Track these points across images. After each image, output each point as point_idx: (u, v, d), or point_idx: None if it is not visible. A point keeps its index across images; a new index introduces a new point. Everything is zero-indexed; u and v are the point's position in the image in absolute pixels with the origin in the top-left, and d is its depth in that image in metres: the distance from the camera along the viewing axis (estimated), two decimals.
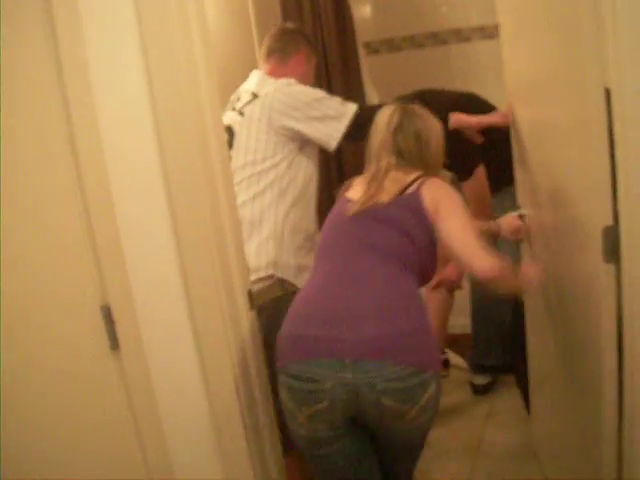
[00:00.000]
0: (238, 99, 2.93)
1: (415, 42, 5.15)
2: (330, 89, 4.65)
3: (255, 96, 2.84)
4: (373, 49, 5.33)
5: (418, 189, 2.25)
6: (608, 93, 1.84)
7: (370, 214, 2.23)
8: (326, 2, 4.59)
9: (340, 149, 4.58)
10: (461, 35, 4.85)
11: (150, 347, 1.96)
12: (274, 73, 2.95)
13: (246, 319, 2.08)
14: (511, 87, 2.92)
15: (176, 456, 2.04)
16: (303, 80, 2.93)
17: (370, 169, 2.37)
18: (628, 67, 1.75)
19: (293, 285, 2.71)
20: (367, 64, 4.76)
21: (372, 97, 4.71)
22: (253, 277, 2.51)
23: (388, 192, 2.26)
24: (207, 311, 1.99)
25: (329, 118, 2.84)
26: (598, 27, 1.81)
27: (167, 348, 2.01)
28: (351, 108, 2.89)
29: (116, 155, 1.87)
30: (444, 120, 2.56)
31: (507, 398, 3.84)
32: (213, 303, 1.99)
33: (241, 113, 2.84)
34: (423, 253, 2.24)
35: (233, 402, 2.06)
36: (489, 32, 5.11)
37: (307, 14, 4.64)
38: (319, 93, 2.89)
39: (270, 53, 3.01)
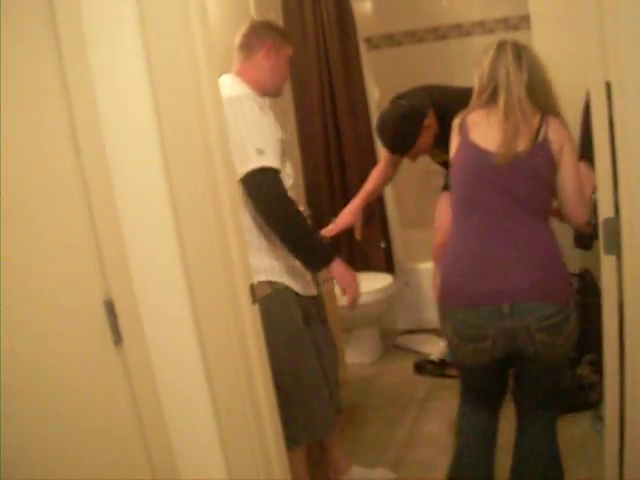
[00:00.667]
0: None
1: (415, 37, 5.18)
2: (331, 84, 4.68)
3: None
4: (374, 44, 5.35)
5: (547, 133, 2.29)
6: (609, 87, 1.85)
7: (511, 166, 2.29)
8: None
9: (339, 131, 4.60)
10: (462, 30, 4.85)
11: (153, 341, 1.97)
12: (240, 73, 2.86)
13: (248, 313, 2.08)
14: None
15: (178, 448, 2.04)
16: (274, 72, 2.86)
17: (499, 103, 2.34)
18: (628, 61, 1.76)
19: (281, 283, 2.75)
20: (368, 59, 4.78)
21: (373, 91, 4.73)
22: None
23: (524, 138, 2.29)
24: (209, 305, 1.99)
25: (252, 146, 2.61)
26: (600, 20, 1.82)
27: (170, 342, 2.01)
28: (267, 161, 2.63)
29: (118, 149, 1.88)
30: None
31: None
32: (215, 297, 1.99)
33: None
34: (553, 196, 2.38)
35: (235, 395, 2.06)
36: (489, 26, 5.13)
37: (308, 10, 4.67)
38: (258, 120, 2.69)
39: (237, 52, 2.89)
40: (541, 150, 2.28)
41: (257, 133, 2.63)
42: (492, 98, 2.35)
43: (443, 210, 3.05)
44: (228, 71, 2.84)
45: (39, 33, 1.71)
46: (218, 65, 2.07)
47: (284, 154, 2.75)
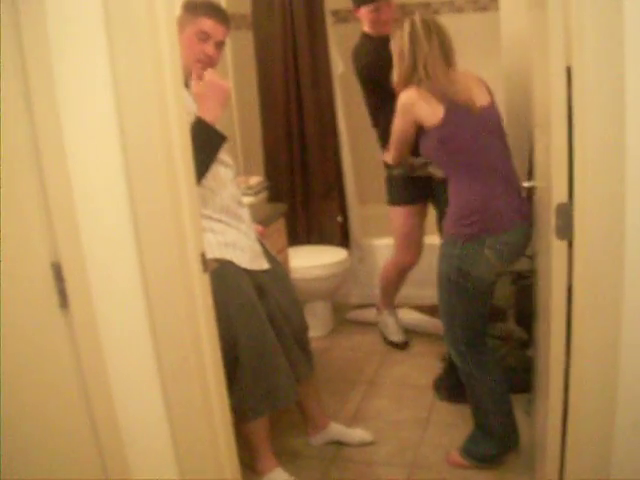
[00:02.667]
0: None
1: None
2: (295, 55, 4.65)
3: None
4: (341, 17, 5.31)
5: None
6: (569, 71, 1.85)
7: (486, 112, 2.92)
8: None
9: (301, 102, 4.61)
10: (430, 8, 4.84)
11: (100, 306, 1.94)
12: None
13: (199, 281, 2.07)
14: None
15: (123, 414, 2.03)
16: (181, 53, 2.24)
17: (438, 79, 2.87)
18: (590, 46, 1.76)
19: (224, 258, 2.76)
20: (334, 32, 4.74)
21: (337, 65, 4.69)
22: None
23: (481, 95, 2.94)
24: (159, 272, 1.98)
25: None
26: (564, 4, 1.82)
27: (117, 308, 1.99)
28: None
29: (71, 102, 1.83)
30: None
31: None
32: (166, 264, 1.98)
33: None
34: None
35: (182, 364, 2.06)
36: (458, 5, 5.14)
37: None
38: None
39: None
40: (494, 104, 2.98)
41: None
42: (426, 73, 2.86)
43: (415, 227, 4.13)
44: None
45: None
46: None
47: None
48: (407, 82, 2.90)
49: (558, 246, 2.00)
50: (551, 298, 2.09)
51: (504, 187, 2.88)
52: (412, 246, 4.22)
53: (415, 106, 2.87)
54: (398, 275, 4.35)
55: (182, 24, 2.69)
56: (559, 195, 1.95)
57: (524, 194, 2.99)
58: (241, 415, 2.81)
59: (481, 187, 2.87)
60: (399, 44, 2.92)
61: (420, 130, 2.94)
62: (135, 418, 2.07)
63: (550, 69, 1.93)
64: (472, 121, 2.84)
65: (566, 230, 1.94)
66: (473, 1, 5.09)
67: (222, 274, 2.69)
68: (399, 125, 3.06)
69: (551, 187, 2.01)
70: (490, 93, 2.96)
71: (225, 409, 2.26)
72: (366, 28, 4.02)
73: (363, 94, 4.11)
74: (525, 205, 2.95)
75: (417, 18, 2.89)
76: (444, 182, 3.11)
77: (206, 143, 2.66)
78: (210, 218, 2.73)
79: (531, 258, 3.52)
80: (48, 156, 1.77)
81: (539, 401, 2.69)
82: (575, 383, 2.02)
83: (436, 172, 3.46)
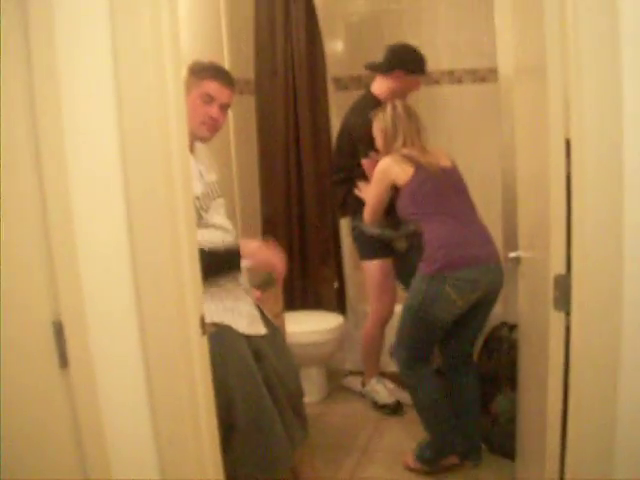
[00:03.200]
0: None
1: None
2: (297, 120, 4.71)
3: None
4: (342, 85, 5.38)
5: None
6: (568, 144, 1.88)
7: (447, 172, 3.55)
8: (299, 35, 4.64)
9: (301, 168, 4.71)
10: (430, 78, 4.91)
11: (99, 366, 1.94)
12: None
13: (197, 344, 2.07)
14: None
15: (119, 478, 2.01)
16: (188, 115, 2.39)
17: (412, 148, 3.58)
18: (588, 119, 1.79)
19: (223, 323, 2.80)
20: (335, 99, 4.81)
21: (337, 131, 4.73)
22: None
23: (443, 159, 3.61)
24: (159, 334, 1.98)
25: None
26: (563, 77, 1.86)
27: (116, 369, 1.98)
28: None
29: (78, 164, 1.86)
30: None
31: None
32: (165, 326, 1.98)
33: None
34: None
35: (178, 426, 2.05)
36: (458, 76, 5.21)
37: (280, 45, 4.69)
38: None
39: None
40: (456, 167, 3.65)
41: None
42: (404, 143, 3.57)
43: (388, 276, 4.44)
44: None
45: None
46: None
47: (201, 209, 2.81)
48: (388, 151, 3.63)
49: (555, 317, 2.01)
50: (549, 370, 2.09)
51: (465, 230, 3.46)
52: (387, 293, 4.39)
53: (390, 169, 3.56)
54: (380, 332, 4.47)
55: (188, 87, 2.72)
56: (557, 266, 1.97)
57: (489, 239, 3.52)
58: None
59: (444, 228, 3.43)
60: (382, 121, 3.67)
61: (395, 193, 3.63)
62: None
63: (550, 141, 1.96)
64: (436, 177, 3.47)
65: (564, 301, 1.95)
66: (472, 72, 5.17)
67: (220, 338, 2.68)
68: (374, 191, 3.75)
69: (549, 258, 2.02)
70: (453, 162, 3.64)
71: (219, 475, 2.24)
72: (380, 90, 4.22)
73: (347, 150, 4.31)
74: (488, 247, 3.48)
75: (399, 103, 3.69)
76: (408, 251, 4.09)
77: (227, 264, 2.84)
78: (210, 286, 2.72)
79: (512, 328, 3.60)
80: (53, 212, 1.78)
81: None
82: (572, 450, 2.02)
83: (399, 245, 4.21)
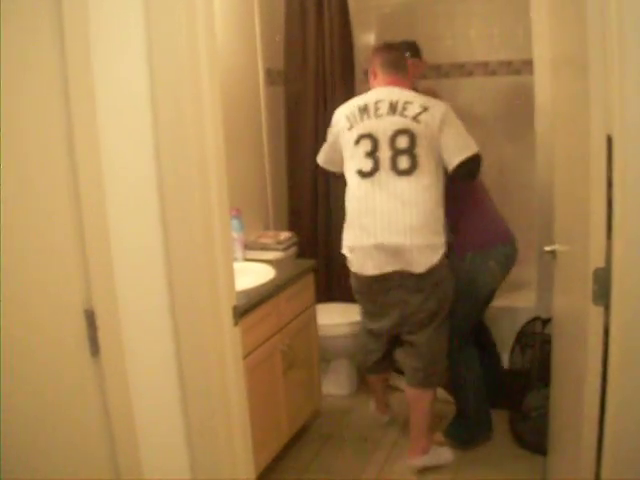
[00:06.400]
0: (377, 109, 3.41)
1: None
2: (325, 112, 4.68)
3: (425, 108, 3.29)
4: None
5: None
6: (610, 140, 1.85)
7: None
8: (331, 27, 4.61)
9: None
10: (464, 69, 4.88)
11: (131, 354, 1.93)
12: (401, 84, 3.50)
13: (229, 334, 2.06)
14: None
15: (148, 465, 2.00)
16: None
17: None
18: (630, 115, 1.76)
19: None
20: (364, 91, 4.79)
21: None
22: None
23: None
24: (191, 323, 1.97)
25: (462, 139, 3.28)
26: (605, 72, 1.82)
27: (148, 358, 1.99)
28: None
29: (112, 158, 1.85)
30: None
31: None
32: (198, 315, 1.97)
33: (417, 120, 3.27)
34: None
35: (210, 417, 2.04)
36: (492, 68, 5.17)
37: (310, 38, 4.67)
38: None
39: (387, 68, 3.56)
40: None
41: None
42: None
43: None
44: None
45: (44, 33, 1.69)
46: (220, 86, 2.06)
47: None
48: None
49: (594, 311, 1.97)
50: (586, 365, 2.05)
51: (494, 208, 3.67)
52: None
53: None
54: None
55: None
56: (597, 260, 1.93)
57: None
58: None
59: (482, 206, 3.64)
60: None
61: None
62: (160, 470, 2.05)
63: (591, 137, 1.92)
64: None
65: (603, 295, 1.92)
66: (506, 64, 5.11)
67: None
68: None
69: (588, 251, 1.99)
70: None
71: (250, 470, 2.23)
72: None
73: None
74: (508, 226, 3.64)
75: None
76: None
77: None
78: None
79: (546, 323, 3.55)
80: (86, 202, 1.77)
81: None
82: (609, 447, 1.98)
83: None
